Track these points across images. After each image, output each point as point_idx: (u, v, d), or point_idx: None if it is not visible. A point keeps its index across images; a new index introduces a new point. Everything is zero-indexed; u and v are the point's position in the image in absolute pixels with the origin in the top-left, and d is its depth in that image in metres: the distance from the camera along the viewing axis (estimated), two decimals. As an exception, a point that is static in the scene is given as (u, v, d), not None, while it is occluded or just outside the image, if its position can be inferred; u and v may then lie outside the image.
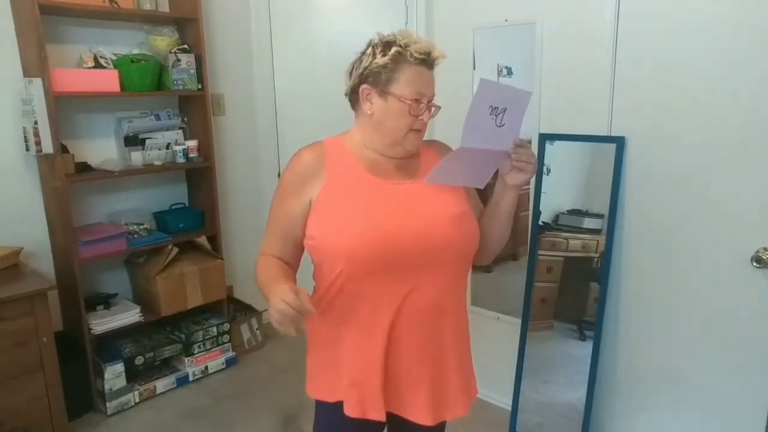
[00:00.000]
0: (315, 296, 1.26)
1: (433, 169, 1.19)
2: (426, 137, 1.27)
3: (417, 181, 1.23)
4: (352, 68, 1.23)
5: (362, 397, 1.22)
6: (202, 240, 3.03)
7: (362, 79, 1.20)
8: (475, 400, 1.34)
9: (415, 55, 1.15)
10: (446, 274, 1.21)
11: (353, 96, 1.24)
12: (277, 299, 1.05)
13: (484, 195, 1.36)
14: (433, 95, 1.21)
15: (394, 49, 1.16)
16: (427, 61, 1.18)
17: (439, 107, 1.22)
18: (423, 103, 1.18)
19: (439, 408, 1.25)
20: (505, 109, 1.13)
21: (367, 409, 1.21)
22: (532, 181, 2.25)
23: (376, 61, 1.17)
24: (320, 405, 1.32)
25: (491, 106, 1.11)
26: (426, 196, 1.21)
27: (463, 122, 1.12)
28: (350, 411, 1.22)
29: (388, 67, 1.16)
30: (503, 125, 1.15)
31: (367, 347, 1.20)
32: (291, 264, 1.28)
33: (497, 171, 1.25)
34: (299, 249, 1.27)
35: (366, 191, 1.19)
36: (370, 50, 1.20)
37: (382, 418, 1.21)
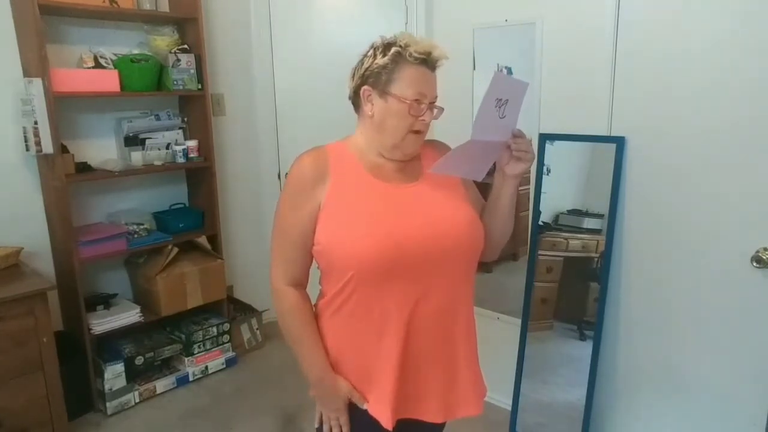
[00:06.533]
0: (323, 301, 1.25)
1: (441, 160, 1.18)
2: (427, 137, 1.27)
3: (420, 183, 1.23)
4: (354, 71, 1.23)
5: (372, 400, 1.22)
6: (202, 240, 3.03)
7: (363, 80, 1.20)
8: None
9: (415, 54, 1.15)
10: (456, 276, 1.21)
11: (356, 98, 1.24)
12: (332, 411, 1.24)
13: (483, 192, 1.35)
14: (436, 97, 1.20)
15: (393, 50, 1.16)
16: (427, 61, 1.17)
17: (442, 109, 1.21)
18: (424, 104, 1.17)
19: (450, 407, 1.26)
20: (507, 100, 1.13)
21: (378, 412, 1.21)
22: (532, 181, 2.26)
23: (376, 61, 1.17)
24: None
25: (497, 99, 1.12)
26: (431, 198, 1.21)
27: (475, 115, 1.12)
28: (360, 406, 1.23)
29: (387, 68, 1.16)
30: (504, 117, 1.15)
31: (379, 352, 1.20)
32: (305, 280, 1.27)
33: (494, 165, 1.25)
34: (311, 259, 1.24)
35: (371, 195, 1.19)
36: (371, 52, 1.20)
37: (389, 426, 1.20)
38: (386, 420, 1.19)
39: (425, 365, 1.22)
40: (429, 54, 1.16)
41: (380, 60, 1.16)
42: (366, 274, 1.14)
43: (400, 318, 1.17)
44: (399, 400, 1.20)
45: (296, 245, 1.21)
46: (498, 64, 2.32)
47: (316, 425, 1.30)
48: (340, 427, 1.25)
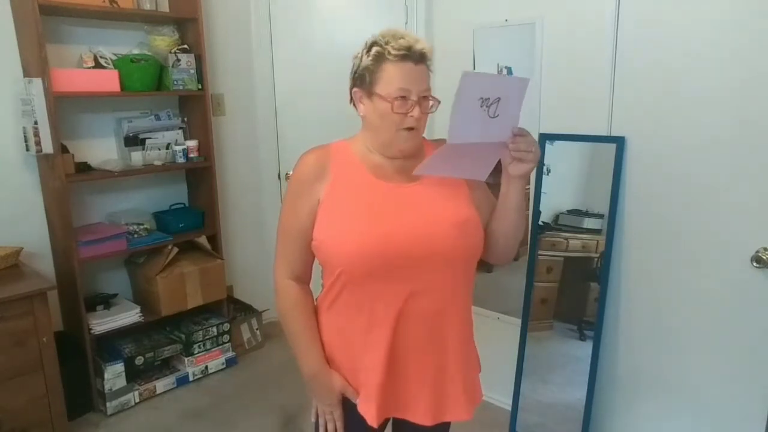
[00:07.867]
0: (320, 295, 1.27)
1: (423, 162, 1.16)
2: (427, 137, 1.26)
3: (420, 184, 1.21)
4: (350, 72, 1.24)
5: (362, 396, 1.22)
6: (202, 240, 3.03)
7: (354, 82, 1.21)
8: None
9: (393, 52, 1.13)
10: (449, 277, 1.20)
11: (352, 100, 1.25)
12: (326, 405, 1.26)
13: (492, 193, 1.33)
14: (426, 90, 1.17)
15: (374, 49, 1.15)
16: (409, 56, 1.14)
17: (438, 102, 1.18)
18: (411, 100, 1.14)
19: (439, 410, 1.25)
20: (498, 99, 1.09)
21: (364, 409, 1.22)
22: (532, 181, 2.25)
23: (362, 63, 1.17)
24: None
25: (481, 98, 1.07)
26: (429, 198, 1.20)
27: (449, 118, 1.07)
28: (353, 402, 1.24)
29: (370, 68, 1.15)
30: (497, 116, 1.10)
31: (366, 348, 1.20)
32: (307, 276, 1.28)
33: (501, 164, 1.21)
34: (313, 255, 1.25)
35: (367, 194, 1.19)
36: (359, 53, 1.20)
37: (374, 423, 1.20)
38: (371, 417, 1.20)
39: (413, 365, 1.21)
40: (410, 48, 1.13)
41: (365, 61, 1.16)
42: (354, 272, 1.15)
43: (388, 316, 1.17)
44: (385, 398, 1.20)
45: (296, 241, 1.23)
46: (498, 64, 2.32)
47: (312, 419, 1.32)
48: (335, 421, 1.26)
